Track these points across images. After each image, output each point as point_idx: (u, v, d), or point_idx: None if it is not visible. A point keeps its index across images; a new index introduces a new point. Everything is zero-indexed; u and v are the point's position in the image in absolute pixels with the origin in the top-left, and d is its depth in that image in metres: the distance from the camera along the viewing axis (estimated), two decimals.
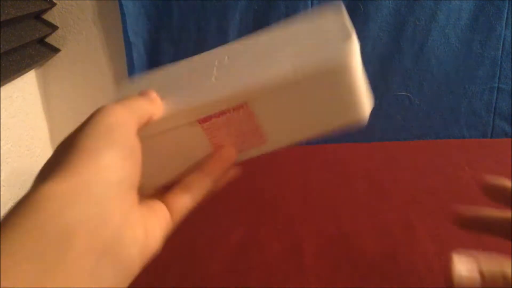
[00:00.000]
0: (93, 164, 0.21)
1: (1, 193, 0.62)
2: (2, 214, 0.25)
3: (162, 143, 0.29)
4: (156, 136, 0.28)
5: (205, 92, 0.28)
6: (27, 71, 0.69)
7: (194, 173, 0.29)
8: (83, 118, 0.28)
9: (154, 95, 0.29)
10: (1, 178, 0.63)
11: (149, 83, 0.33)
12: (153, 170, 0.29)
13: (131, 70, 0.72)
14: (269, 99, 0.27)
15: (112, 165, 0.22)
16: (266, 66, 0.28)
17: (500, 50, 0.70)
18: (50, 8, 0.71)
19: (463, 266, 0.25)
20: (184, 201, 0.28)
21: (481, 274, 0.24)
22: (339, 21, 0.29)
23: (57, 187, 0.20)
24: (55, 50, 0.73)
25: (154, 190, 0.29)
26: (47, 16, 0.71)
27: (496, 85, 0.73)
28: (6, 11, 0.58)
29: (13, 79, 0.65)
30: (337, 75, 0.26)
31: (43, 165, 0.24)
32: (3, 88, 0.64)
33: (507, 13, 0.68)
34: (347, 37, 0.26)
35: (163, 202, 0.27)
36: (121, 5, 0.67)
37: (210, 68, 0.31)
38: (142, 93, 0.29)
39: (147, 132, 0.27)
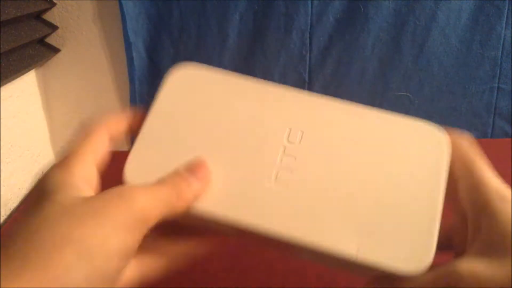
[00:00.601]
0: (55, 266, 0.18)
1: (1, 193, 0.62)
2: (2, 214, 0.25)
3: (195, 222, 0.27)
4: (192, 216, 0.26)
5: (259, 211, 0.25)
6: (27, 71, 0.69)
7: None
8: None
9: (205, 174, 0.25)
10: (1, 178, 0.63)
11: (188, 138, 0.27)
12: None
13: (131, 70, 0.72)
14: (318, 259, 0.25)
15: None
16: (331, 222, 0.24)
17: (500, 50, 0.70)
18: (50, 8, 0.71)
19: None
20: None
21: None
22: (430, 213, 0.25)
23: None
24: (55, 50, 0.73)
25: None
26: (47, 16, 0.71)
27: (496, 85, 0.73)
28: (6, 11, 0.58)
29: (13, 79, 0.65)
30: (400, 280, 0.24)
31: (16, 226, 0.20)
32: (3, 88, 0.64)
33: (507, 13, 0.68)
34: (427, 251, 0.23)
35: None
36: (121, 5, 0.67)
37: (272, 155, 0.26)
38: (191, 169, 0.25)
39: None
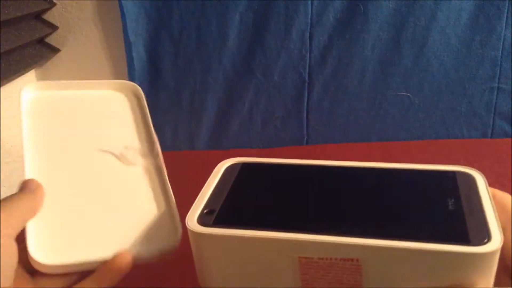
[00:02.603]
0: None
1: (1, 193, 0.62)
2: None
3: (239, 254, 0.27)
4: (236, 242, 0.26)
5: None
6: (27, 71, 0.69)
7: (87, 280, 0.29)
8: None
9: (35, 186, 0.30)
10: (1, 178, 0.63)
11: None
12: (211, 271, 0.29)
13: (131, 70, 0.72)
14: (385, 261, 0.25)
15: None
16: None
17: (500, 50, 0.70)
18: (50, 8, 0.71)
19: None
20: None
21: None
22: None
23: None
24: (55, 50, 0.73)
25: None
26: (47, 16, 0.71)
27: (496, 85, 0.73)
28: (6, 11, 0.58)
29: (13, 79, 0.65)
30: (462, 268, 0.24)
31: None
32: (3, 88, 0.64)
33: (507, 13, 0.68)
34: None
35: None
36: (121, 5, 0.67)
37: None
38: (23, 187, 0.31)
39: (222, 231, 0.26)
